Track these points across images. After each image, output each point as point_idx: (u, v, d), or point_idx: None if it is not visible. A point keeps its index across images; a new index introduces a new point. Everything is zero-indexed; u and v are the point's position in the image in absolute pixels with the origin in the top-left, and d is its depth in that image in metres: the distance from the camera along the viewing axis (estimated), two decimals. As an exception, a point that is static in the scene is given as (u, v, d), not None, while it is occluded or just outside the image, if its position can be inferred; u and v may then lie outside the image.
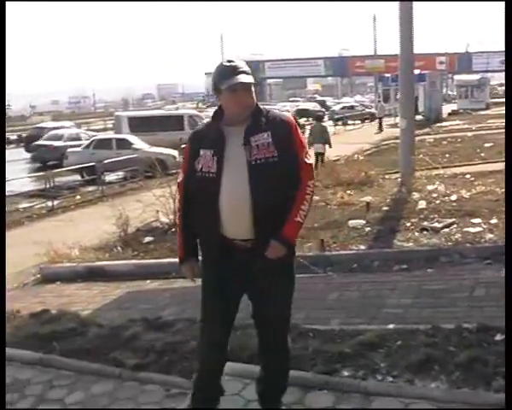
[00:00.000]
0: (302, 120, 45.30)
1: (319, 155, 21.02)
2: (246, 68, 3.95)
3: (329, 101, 72.65)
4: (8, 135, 56.12)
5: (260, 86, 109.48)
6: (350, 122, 47.33)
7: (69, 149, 28.12)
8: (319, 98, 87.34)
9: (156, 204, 12.99)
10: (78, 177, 25.07)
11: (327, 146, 21.28)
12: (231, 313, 4.26)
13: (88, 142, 28.40)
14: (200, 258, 4.23)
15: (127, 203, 14.14)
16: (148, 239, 12.15)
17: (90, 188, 22.91)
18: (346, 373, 4.91)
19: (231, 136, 3.91)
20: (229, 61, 3.99)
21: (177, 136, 27.12)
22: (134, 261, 10.41)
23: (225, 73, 3.90)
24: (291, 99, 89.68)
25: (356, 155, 24.40)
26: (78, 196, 21.40)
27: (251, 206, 3.82)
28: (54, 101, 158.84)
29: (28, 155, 37.46)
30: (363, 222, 11.01)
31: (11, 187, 21.60)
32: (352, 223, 11.04)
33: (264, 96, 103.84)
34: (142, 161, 22.60)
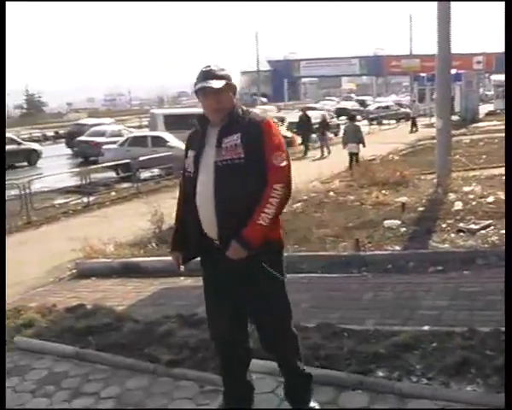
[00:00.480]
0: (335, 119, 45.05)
1: (353, 155, 20.96)
2: (220, 73, 4.04)
3: (369, 100, 71.95)
4: (45, 131, 56.91)
5: (295, 85, 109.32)
6: (385, 122, 46.96)
7: (105, 146, 28.32)
8: (355, 97, 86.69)
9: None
10: (113, 174, 25.24)
11: (361, 146, 21.19)
12: (234, 310, 4.25)
13: (123, 139, 28.57)
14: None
15: (162, 200, 14.21)
16: (183, 236, 12.15)
17: (125, 185, 23.05)
18: (380, 374, 4.89)
19: (211, 137, 4.06)
20: (206, 67, 4.10)
21: (213, 133, 27.20)
22: (169, 258, 10.42)
23: (199, 77, 4.06)
24: (327, 98, 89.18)
25: (391, 155, 24.22)
26: (113, 193, 21.54)
27: (214, 206, 3.94)
28: (89, 98, 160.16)
29: (69, 151, 37.99)
30: (399, 222, 10.93)
31: (46, 183, 21.86)
32: (387, 223, 10.97)
33: (298, 95, 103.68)
34: (177, 158, 22.63)
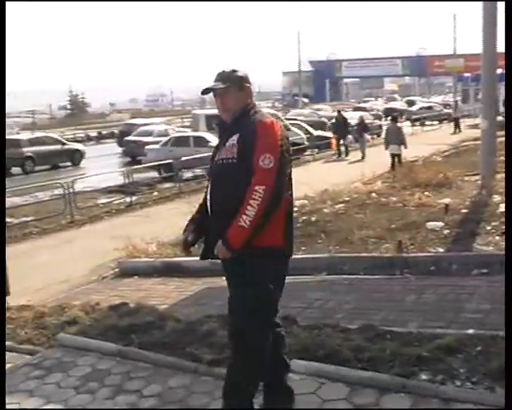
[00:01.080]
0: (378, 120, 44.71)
1: (395, 156, 20.80)
2: (228, 75, 4.13)
3: (418, 100, 71.10)
4: (88, 132, 57.64)
5: (336, 86, 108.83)
6: (427, 123, 46.48)
7: (148, 147, 28.57)
8: (399, 98, 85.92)
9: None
10: (155, 174, 25.44)
11: (402, 147, 21.02)
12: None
13: (166, 139, 28.77)
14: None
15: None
16: (225, 236, 12.20)
17: (168, 185, 23.23)
18: (424, 377, 4.82)
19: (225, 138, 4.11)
20: (222, 71, 4.21)
21: (255, 134, 27.28)
22: (210, 258, 10.46)
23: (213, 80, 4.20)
24: (365, 99, 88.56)
25: (434, 156, 23.99)
26: (156, 193, 21.73)
27: (210, 205, 4.06)
28: (132, 99, 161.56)
29: (114, 151, 38.69)
30: (442, 224, 10.81)
31: (89, 183, 22.12)
32: (430, 225, 10.86)
33: (340, 96, 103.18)
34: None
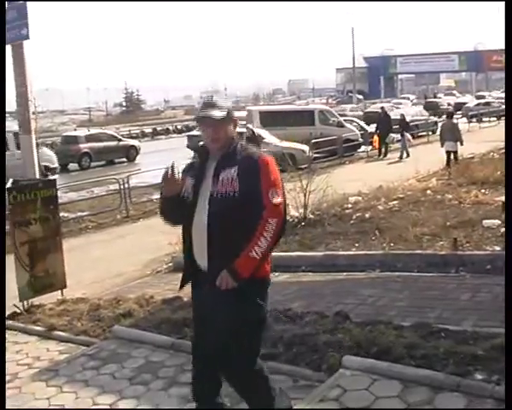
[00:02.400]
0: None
1: (451, 153, 20.48)
2: (221, 104, 4.06)
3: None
4: (143, 128, 58.29)
5: (391, 82, 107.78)
6: (485, 119, 45.64)
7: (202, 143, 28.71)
8: (457, 94, 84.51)
9: (286, 198, 13.06)
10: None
11: (458, 144, 20.67)
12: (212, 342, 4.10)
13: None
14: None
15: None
16: (277, 232, 12.20)
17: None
18: (479, 377, 4.74)
19: (210, 168, 4.08)
20: (208, 98, 4.16)
21: (308, 131, 27.19)
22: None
23: (200, 108, 4.10)
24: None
25: (491, 154, 23.54)
26: (209, 188, 21.81)
27: (206, 237, 3.96)
28: (186, 96, 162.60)
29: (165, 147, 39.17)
30: (499, 222, 10.61)
31: (144, 179, 22.36)
32: (486, 223, 10.69)
33: (395, 92, 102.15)
34: (273, 154, 22.68)
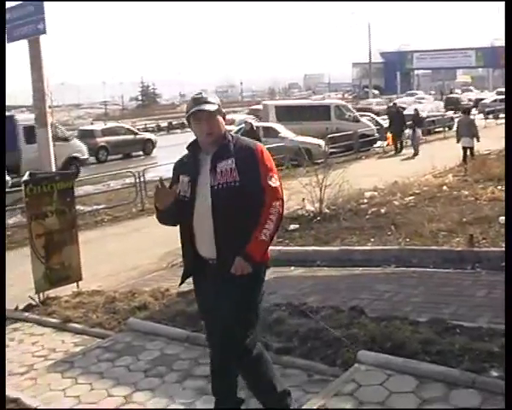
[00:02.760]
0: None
1: (467, 149, 20.34)
2: (212, 100, 4.23)
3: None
4: (159, 122, 58.44)
5: (407, 77, 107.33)
6: (501, 115, 45.31)
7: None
8: (474, 90, 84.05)
9: (302, 192, 13.09)
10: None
11: (475, 140, 20.52)
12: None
13: (236, 129, 28.92)
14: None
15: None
16: (293, 227, 12.24)
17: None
18: (494, 373, 4.71)
19: (204, 163, 4.23)
20: (197, 94, 4.32)
21: (324, 125, 27.13)
22: (279, 248, 10.51)
23: (192, 103, 4.23)
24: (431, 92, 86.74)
25: (508, 150, 23.36)
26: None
27: (213, 228, 4.09)
28: (202, 89, 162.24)
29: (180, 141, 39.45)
30: (516, 219, 10.54)
31: (160, 172, 22.40)
32: (502, 219, 10.60)
33: (411, 88, 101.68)
34: (288, 149, 22.77)
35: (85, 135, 34.24)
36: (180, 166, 4.42)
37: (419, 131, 27.63)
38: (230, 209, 4.04)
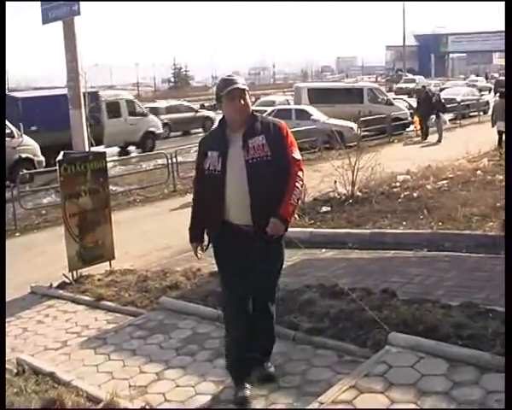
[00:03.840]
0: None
1: (502, 134, 20.04)
2: (240, 81, 4.70)
3: None
4: (191, 104, 58.57)
5: (442, 61, 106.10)
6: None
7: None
8: None
9: (334, 175, 13.06)
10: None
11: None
12: (249, 284, 4.78)
13: (268, 111, 28.88)
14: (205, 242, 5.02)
15: (305, 173, 14.28)
16: (325, 209, 12.24)
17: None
18: (527, 358, 4.68)
19: (233, 139, 4.67)
20: (228, 76, 4.84)
21: (356, 108, 26.94)
22: (311, 229, 10.52)
23: (224, 83, 4.68)
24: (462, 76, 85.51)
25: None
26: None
27: (249, 197, 4.56)
28: (234, 72, 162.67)
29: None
30: (551, 204, 10.41)
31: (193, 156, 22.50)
32: (537, 204, 10.49)
33: (445, 71, 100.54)
34: (321, 132, 22.70)
35: (150, 112, 34.93)
36: (207, 143, 4.87)
37: (444, 117, 26.81)
38: (264, 180, 4.52)
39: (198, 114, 38.16)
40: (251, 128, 4.63)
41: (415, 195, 12.69)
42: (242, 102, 4.60)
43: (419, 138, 26.46)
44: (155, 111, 34.94)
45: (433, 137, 25.85)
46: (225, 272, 4.91)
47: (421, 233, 9.67)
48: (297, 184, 4.63)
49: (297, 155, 4.72)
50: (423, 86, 30.81)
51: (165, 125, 33.79)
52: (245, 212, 4.58)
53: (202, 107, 56.34)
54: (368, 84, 37.17)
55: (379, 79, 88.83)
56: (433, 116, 26.31)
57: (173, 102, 41.19)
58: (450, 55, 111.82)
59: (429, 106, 26.48)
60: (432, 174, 14.84)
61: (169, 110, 36.75)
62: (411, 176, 14.95)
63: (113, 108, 27.31)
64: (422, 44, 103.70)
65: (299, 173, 4.68)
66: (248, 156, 4.56)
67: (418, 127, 27.38)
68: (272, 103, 34.45)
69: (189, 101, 61.96)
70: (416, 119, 27.55)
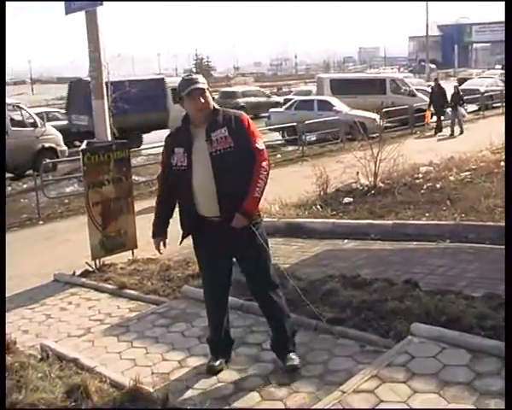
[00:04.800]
0: None
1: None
2: (201, 80, 4.82)
3: None
4: (213, 95, 58.79)
5: (465, 51, 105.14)
6: None
7: (272, 110, 28.78)
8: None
9: (356, 166, 13.02)
10: (279, 136, 25.55)
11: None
12: (224, 274, 5.06)
13: (290, 102, 28.82)
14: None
15: (327, 164, 14.32)
16: (347, 200, 12.22)
17: (291, 148, 23.32)
18: (550, 349, 4.65)
19: (197, 135, 4.80)
20: (188, 76, 4.97)
21: (379, 99, 26.75)
22: (333, 220, 10.51)
23: (184, 83, 4.80)
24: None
25: None
26: (279, 155, 21.84)
27: (215, 189, 4.68)
28: (256, 62, 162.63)
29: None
30: None
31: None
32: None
33: (469, 62, 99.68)
34: (343, 122, 22.63)
35: (227, 96, 37.54)
36: (173, 140, 4.97)
37: (462, 109, 25.99)
38: (229, 171, 4.65)
39: (270, 100, 39.18)
40: (213, 122, 4.76)
41: (437, 186, 12.63)
42: (202, 100, 4.73)
43: (431, 132, 25.78)
44: (233, 95, 37.87)
45: (446, 131, 25.37)
46: (200, 262, 5.21)
47: (444, 224, 9.61)
48: (261, 176, 4.73)
49: (260, 145, 4.81)
50: (435, 78, 30.26)
51: (241, 107, 34.02)
52: (213, 204, 4.72)
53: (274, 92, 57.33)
54: (390, 75, 37.00)
55: (401, 69, 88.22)
56: (449, 109, 25.82)
57: (248, 87, 44.24)
58: (474, 46, 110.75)
59: (442, 99, 26.00)
60: (455, 166, 14.77)
61: (245, 94, 38.96)
62: (434, 167, 14.88)
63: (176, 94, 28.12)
64: (446, 35, 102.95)
65: (263, 164, 4.76)
66: (212, 149, 4.68)
67: (429, 121, 26.75)
68: (309, 93, 34.76)
69: (211, 91, 62.31)
70: (428, 112, 26.82)
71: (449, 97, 26.20)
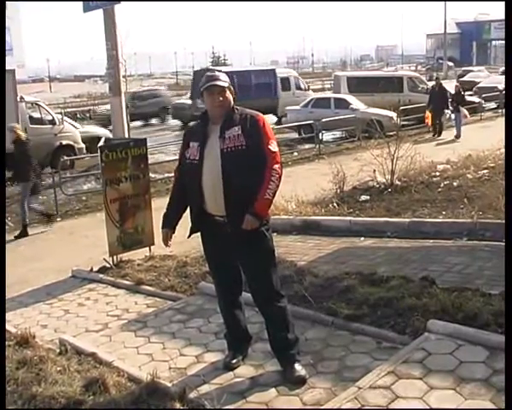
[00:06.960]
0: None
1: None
2: (222, 77, 4.80)
3: None
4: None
5: (484, 48, 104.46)
6: None
7: (288, 107, 28.78)
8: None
9: (373, 164, 13.00)
10: (295, 134, 25.55)
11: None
12: (232, 275, 5.01)
13: (307, 100, 28.80)
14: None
15: (344, 162, 14.30)
16: (364, 198, 12.22)
17: (307, 145, 23.28)
18: None
19: (213, 131, 4.79)
20: (210, 72, 4.98)
21: (396, 97, 26.64)
22: (350, 218, 10.50)
23: (206, 80, 4.79)
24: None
25: None
26: (296, 153, 21.85)
27: (222, 186, 4.65)
28: (273, 61, 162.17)
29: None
30: None
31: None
32: None
33: (487, 59, 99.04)
34: (360, 120, 22.58)
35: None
36: (190, 134, 5.01)
37: (464, 110, 24.13)
38: (238, 170, 4.61)
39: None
40: (229, 120, 4.74)
41: (455, 184, 12.59)
42: (221, 98, 4.73)
43: (430, 136, 24.22)
44: None
45: (449, 134, 23.90)
46: (209, 262, 5.29)
47: (461, 222, 9.58)
48: (273, 178, 4.65)
49: (273, 147, 4.73)
50: (436, 78, 29.35)
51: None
52: (219, 202, 4.70)
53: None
54: (408, 73, 36.84)
55: (419, 67, 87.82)
56: (449, 111, 24.41)
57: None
58: (493, 43, 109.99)
59: (443, 100, 24.46)
60: (472, 163, 14.70)
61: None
62: (451, 165, 14.82)
63: (285, 83, 33.27)
64: (464, 32, 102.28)
65: (276, 166, 4.68)
66: (223, 146, 4.66)
67: (429, 122, 24.76)
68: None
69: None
70: (428, 114, 24.79)
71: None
